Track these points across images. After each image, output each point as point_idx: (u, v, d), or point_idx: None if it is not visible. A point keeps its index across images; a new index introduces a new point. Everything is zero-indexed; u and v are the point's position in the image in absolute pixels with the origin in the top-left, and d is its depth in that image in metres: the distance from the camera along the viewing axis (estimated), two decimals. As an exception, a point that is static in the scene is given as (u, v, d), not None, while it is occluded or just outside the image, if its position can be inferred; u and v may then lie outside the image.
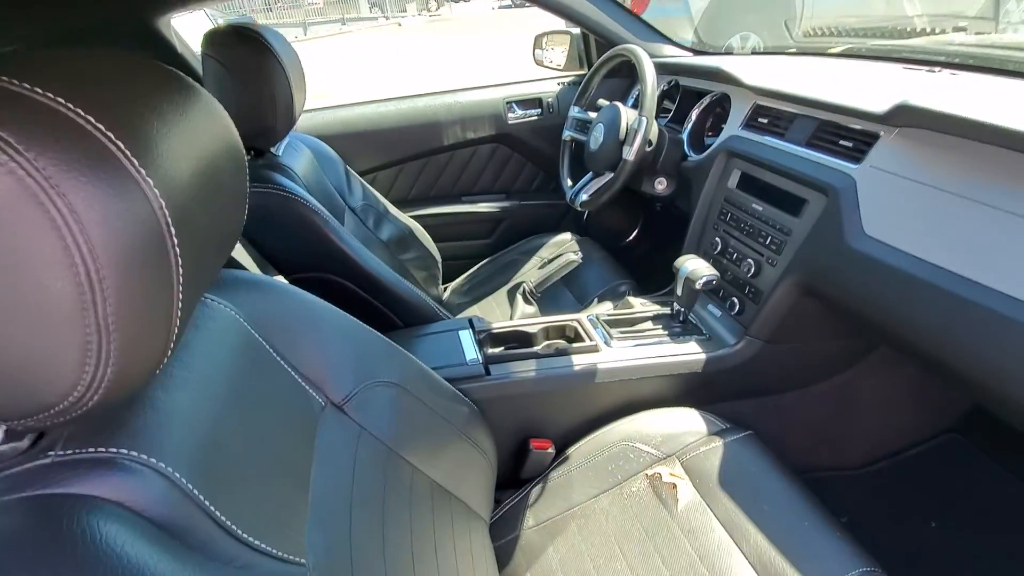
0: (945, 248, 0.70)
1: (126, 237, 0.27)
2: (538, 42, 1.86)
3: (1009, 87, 0.85)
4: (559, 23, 1.67)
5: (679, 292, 1.03)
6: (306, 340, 0.61)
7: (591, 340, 1.01)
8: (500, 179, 1.77)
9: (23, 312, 0.26)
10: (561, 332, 1.08)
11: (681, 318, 1.09)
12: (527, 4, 1.50)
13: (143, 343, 0.30)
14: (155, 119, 0.32)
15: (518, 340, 1.05)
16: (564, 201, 1.54)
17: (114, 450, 0.34)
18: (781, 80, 1.11)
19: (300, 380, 0.59)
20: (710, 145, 1.22)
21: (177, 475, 0.36)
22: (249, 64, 0.90)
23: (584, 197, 1.35)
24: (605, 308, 1.24)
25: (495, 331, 1.04)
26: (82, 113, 0.27)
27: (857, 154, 0.86)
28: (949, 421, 1.21)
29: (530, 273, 1.54)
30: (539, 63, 1.84)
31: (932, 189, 0.74)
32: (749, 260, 1.04)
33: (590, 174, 1.41)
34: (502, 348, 1.03)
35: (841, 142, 0.90)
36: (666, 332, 1.06)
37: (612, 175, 1.29)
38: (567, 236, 1.63)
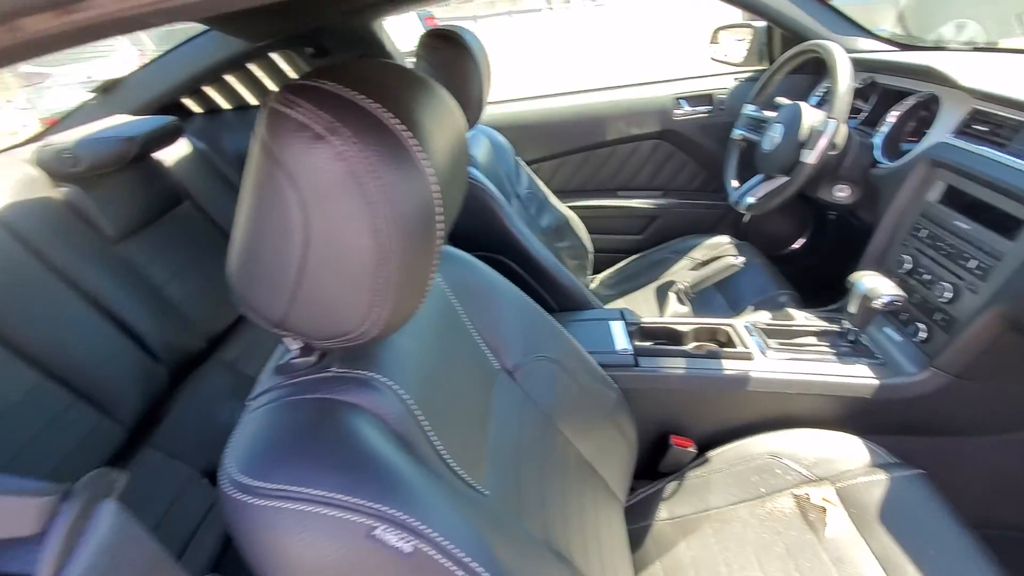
0: None
1: (412, 212, 0.36)
2: (715, 36, 1.79)
3: None
4: (736, 16, 1.60)
5: (852, 310, 0.96)
6: (488, 309, 0.70)
7: (746, 347, 0.99)
8: (659, 176, 1.76)
9: (340, 263, 0.36)
10: (712, 335, 1.07)
11: (851, 338, 1.02)
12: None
13: (409, 296, 0.39)
14: (427, 115, 0.40)
15: (668, 337, 1.06)
16: (723, 202, 1.49)
17: (370, 373, 0.45)
18: (1006, 82, 0.96)
19: (482, 344, 0.67)
20: (906, 151, 1.11)
21: (408, 399, 0.45)
22: (452, 64, 1.02)
23: (751, 200, 1.30)
24: (762, 317, 1.19)
25: (645, 325, 1.07)
26: (385, 112, 0.36)
27: (1109, 174, 0.73)
28: None
29: (681, 273, 1.53)
30: (715, 58, 1.78)
31: None
32: (945, 284, 0.93)
33: (759, 176, 1.35)
34: (651, 343, 1.05)
35: (1089, 158, 0.77)
36: (832, 350, 1.00)
37: (787, 179, 1.23)
38: (724, 239, 1.58)
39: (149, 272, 1.19)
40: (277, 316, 0.39)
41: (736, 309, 1.32)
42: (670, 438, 0.96)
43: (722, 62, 1.76)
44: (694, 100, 1.66)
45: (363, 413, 0.42)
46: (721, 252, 1.52)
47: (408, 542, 0.36)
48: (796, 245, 1.75)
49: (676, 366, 0.96)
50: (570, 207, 1.66)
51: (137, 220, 1.23)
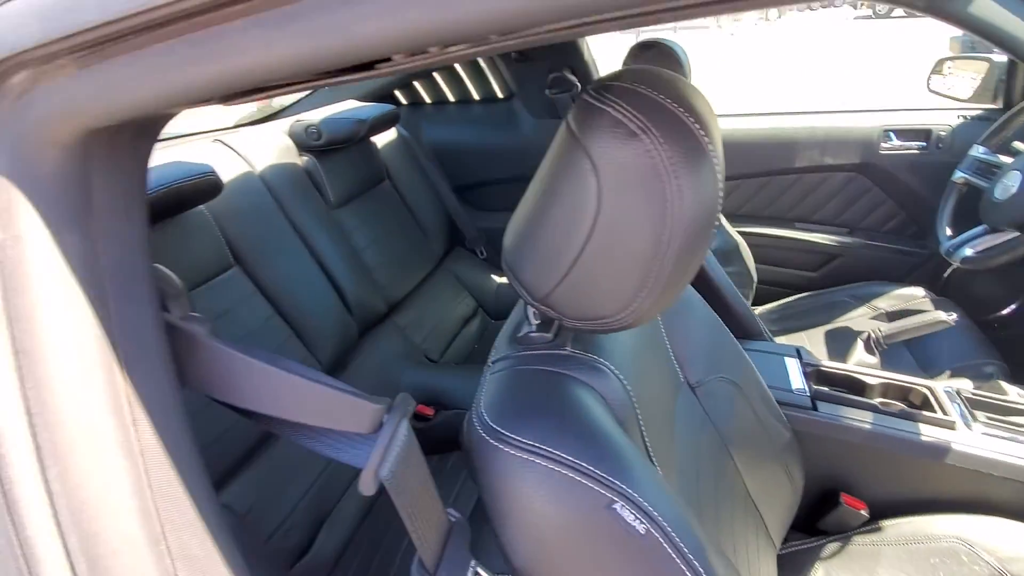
0: None
1: (699, 213, 0.38)
2: (938, 67, 1.61)
3: None
4: (932, 41, 1.41)
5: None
6: (680, 322, 0.71)
7: (946, 414, 0.89)
8: (848, 212, 1.62)
9: (618, 251, 0.39)
10: (904, 394, 0.97)
11: (1086, 428, 0.86)
12: (900, 15, 1.32)
13: (672, 290, 0.41)
14: (712, 123, 0.42)
15: (849, 386, 0.98)
16: (921, 250, 1.34)
17: (598, 358, 0.48)
18: None
19: (672, 354, 0.69)
20: None
21: (630, 389, 0.48)
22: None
23: (968, 252, 1.16)
24: (964, 385, 1.05)
25: (824, 369, 1.00)
26: (690, 117, 0.38)
27: None
28: None
29: (860, 321, 1.40)
30: (935, 90, 1.60)
31: None
32: None
33: (983, 227, 1.19)
34: (828, 388, 0.98)
35: None
36: (1057, 438, 0.86)
37: (1019, 235, 1.07)
38: (919, 291, 1.41)
39: (354, 237, 1.37)
40: (543, 292, 0.43)
41: (928, 371, 1.18)
42: (840, 495, 0.89)
43: (944, 95, 1.57)
44: (906, 134, 1.51)
45: (594, 393, 0.45)
46: (916, 305, 1.37)
47: (642, 524, 0.38)
48: (1007, 310, 1.51)
49: (860, 419, 0.89)
50: (740, 232, 1.59)
51: (351, 191, 1.41)
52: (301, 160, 1.32)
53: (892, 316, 1.37)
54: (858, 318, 1.42)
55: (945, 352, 1.21)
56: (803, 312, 1.52)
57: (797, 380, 0.96)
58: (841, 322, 1.42)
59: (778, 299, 1.63)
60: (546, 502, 0.39)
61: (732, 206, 1.69)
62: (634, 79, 0.39)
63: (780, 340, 1.45)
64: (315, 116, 1.31)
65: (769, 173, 1.63)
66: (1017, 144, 1.23)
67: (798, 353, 1.03)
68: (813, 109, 1.59)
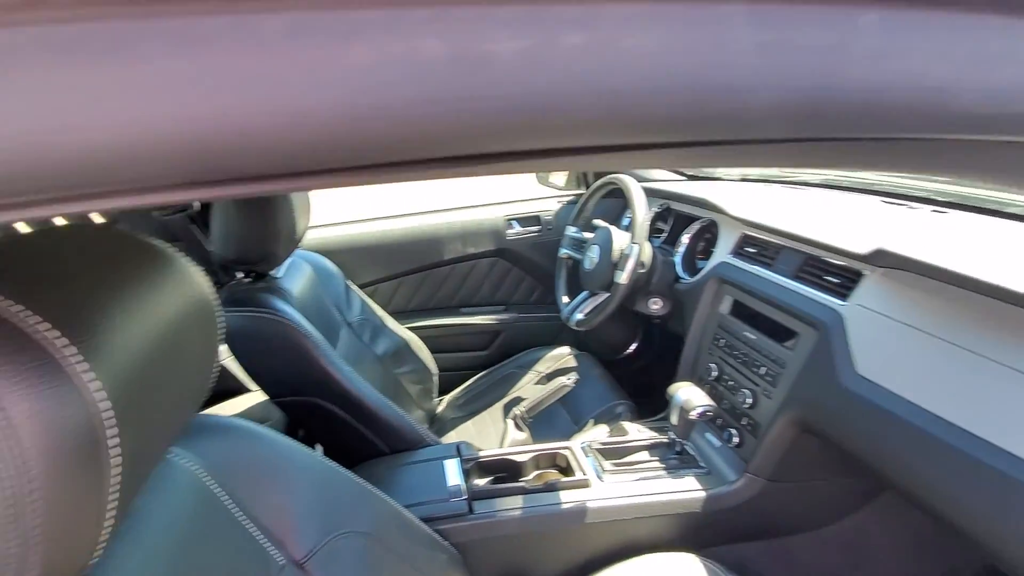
0: (941, 395, 0.68)
1: (62, 445, 0.27)
2: (539, 163, 1.97)
3: (998, 227, 0.86)
4: None
5: (674, 421, 1.00)
6: (272, 489, 0.59)
7: (583, 473, 0.97)
8: (499, 292, 1.80)
9: None
10: (552, 461, 1.04)
11: (678, 448, 1.05)
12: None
13: (71, 548, 0.28)
14: (113, 303, 0.32)
15: (507, 470, 1.01)
16: (561, 315, 1.54)
17: None
18: (765, 211, 1.14)
19: (260, 536, 0.55)
20: (702, 268, 1.24)
21: None
22: (255, 198, 0.95)
23: (579, 316, 1.36)
24: (600, 432, 1.20)
25: (483, 459, 1.00)
26: (30, 314, 0.28)
27: (844, 290, 0.87)
28: (974, 569, 1.11)
29: (527, 388, 1.52)
30: (542, 182, 1.94)
31: (922, 333, 0.73)
32: (745, 390, 1.01)
33: (586, 292, 1.43)
34: (490, 479, 0.99)
35: (827, 277, 0.91)
36: (663, 465, 1.01)
37: (607, 295, 1.31)
38: (565, 350, 1.62)
39: None
40: None
41: (579, 424, 1.33)
42: (514, 590, 0.87)
43: (548, 185, 1.92)
44: (524, 221, 1.77)
45: None
46: (564, 363, 1.56)
47: None
48: (630, 350, 1.86)
49: (514, 507, 0.89)
50: (412, 327, 1.61)
51: None
52: None
53: (550, 376, 1.53)
54: (525, 385, 1.54)
55: (588, 402, 1.38)
56: (483, 391, 1.58)
57: (456, 481, 0.93)
58: (513, 392, 1.52)
59: (462, 383, 1.68)
60: None
61: (400, 303, 1.71)
62: None
63: (466, 425, 1.47)
64: None
65: (426, 268, 1.70)
66: (596, 221, 1.53)
67: (458, 451, 1.01)
68: (451, 207, 1.75)
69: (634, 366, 1.80)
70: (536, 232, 1.77)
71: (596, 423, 1.30)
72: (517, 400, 1.45)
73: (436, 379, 1.57)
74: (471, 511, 0.88)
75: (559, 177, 1.90)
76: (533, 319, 1.80)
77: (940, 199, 1.03)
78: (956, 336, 0.68)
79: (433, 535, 0.76)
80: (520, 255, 1.76)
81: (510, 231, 1.74)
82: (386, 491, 0.72)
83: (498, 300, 1.80)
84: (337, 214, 1.65)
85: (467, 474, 0.96)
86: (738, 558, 0.98)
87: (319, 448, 0.99)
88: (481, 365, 1.70)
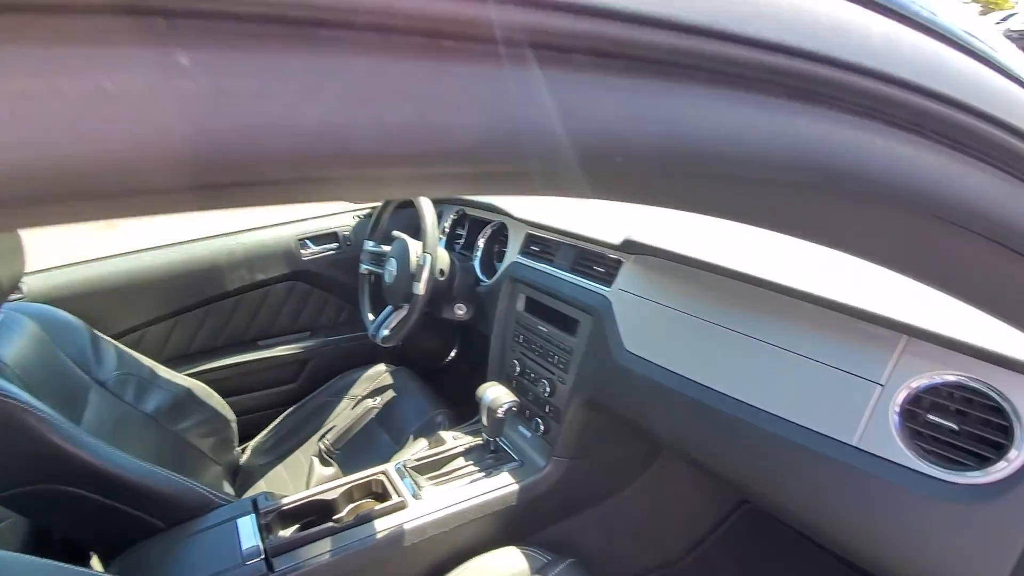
0: (693, 362, 0.79)
1: None
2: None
3: None
4: None
5: (485, 422, 1.02)
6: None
7: (398, 496, 0.93)
8: (302, 317, 1.66)
9: None
10: (368, 490, 0.98)
11: (492, 448, 1.07)
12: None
13: None
14: None
15: (316, 511, 0.92)
16: (373, 332, 1.47)
17: None
18: (546, 211, 1.23)
19: None
20: (498, 270, 1.29)
21: None
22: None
23: (385, 332, 1.32)
24: (421, 447, 1.17)
25: (286, 507, 0.91)
26: None
27: (608, 278, 0.97)
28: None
29: (342, 416, 1.42)
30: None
31: (671, 309, 0.84)
32: (544, 380, 1.08)
33: (389, 307, 1.39)
34: (296, 527, 0.89)
35: (596, 267, 1.01)
36: (479, 467, 1.03)
37: (409, 307, 1.29)
38: (380, 368, 1.56)
39: None
40: None
41: (399, 443, 1.28)
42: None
43: (342, 200, 1.83)
44: (319, 239, 1.66)
45: None
46: (381, 381, 1.49)
47: None
48: (449, 358, 1.86)
49: (321, 551, 0.82)
50: (198, 373, 1.40)
51: None
52: None
53: (369, 396, 1.45)
54: (341, 413, 1.44)
55: (407, 418, 1.34)
56: (293, 429, 1.45)
57: (251, 543, 0.82)
58: (330, 423, 1.41)
59: (267, 424, 1.51)
60: None
61: (178, 347, 1.47)
62: None
63: (276, 470, 1.33)
64: None
65: (206, 302, 1.49)
66: (395, 233, 1.50)
67: (254, 505, 0.90)
68: (224, 232, 1.56)
69: (454, 374, 1.82)
70: (335, 249, 1.67)
71: (416, 438, 1.27)
72: (334, 429, 1.35)
73: (235, 426, 1.39)
74: (270, 569, 0.78)
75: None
76: (344, 341, 1.70)
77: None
78: (699, 311, 0.80)
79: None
80: (319, 275, 1.65)
81: (304, 251, 1.62)
82: (165, 574, 0.60)
83: (301, 326, 1.67)
84: (71, 253, 1.35)
85: (267, 528, 0.86)
86: (558, 537, 1.04)
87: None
88: (290, 400, 1.55)
